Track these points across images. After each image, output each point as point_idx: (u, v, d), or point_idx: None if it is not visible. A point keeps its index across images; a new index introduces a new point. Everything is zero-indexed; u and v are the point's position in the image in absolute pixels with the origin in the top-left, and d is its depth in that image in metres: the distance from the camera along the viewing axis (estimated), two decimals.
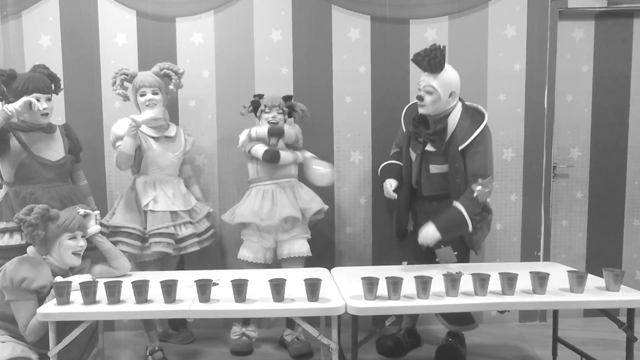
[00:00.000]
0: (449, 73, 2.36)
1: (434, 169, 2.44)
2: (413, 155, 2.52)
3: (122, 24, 2.94)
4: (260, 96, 2.74)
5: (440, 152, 2.40)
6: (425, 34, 2.97)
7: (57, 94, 2.52)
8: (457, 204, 2.31)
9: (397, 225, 2.63)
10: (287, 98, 2.75)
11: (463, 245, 2.51)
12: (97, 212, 2.43)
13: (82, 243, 2.14)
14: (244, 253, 2.66)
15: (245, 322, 2.74)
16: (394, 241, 2.90)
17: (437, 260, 2.54)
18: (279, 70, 2.99)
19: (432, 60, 2.29)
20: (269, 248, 2.64)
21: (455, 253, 2.50)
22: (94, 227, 2.26)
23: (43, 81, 2.39)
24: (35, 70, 2.44)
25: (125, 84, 2.66)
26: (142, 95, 2.59)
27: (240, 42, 2.98)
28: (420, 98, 2.36)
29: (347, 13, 2.97)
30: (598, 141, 3.13)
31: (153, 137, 2.63)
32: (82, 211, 2.22)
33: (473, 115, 2.39)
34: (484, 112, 2.40)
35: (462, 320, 2.50)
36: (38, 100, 2.34)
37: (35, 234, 2.04)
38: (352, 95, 3.02)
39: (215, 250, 3.00)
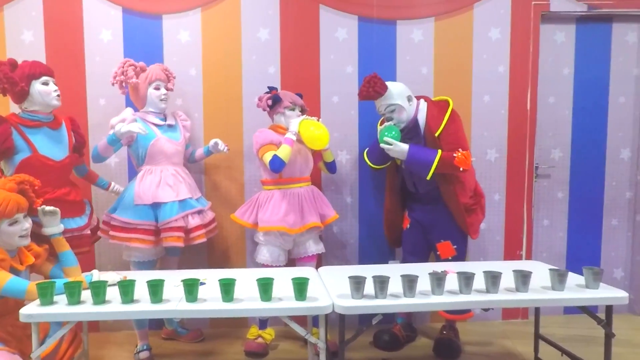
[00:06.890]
0: (394, 85, 2.53)
1: None
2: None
3: (107, 20, 2.90)
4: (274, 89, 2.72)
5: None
6: (411, 34, 3.00)
7: None
8: (439, 151, 2.42)
9: (390, 233, 2.80)
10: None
11: (462, 240, 2.62)
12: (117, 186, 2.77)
13: (27, 225, 2.01)
14: (264, 257, 2.59)
15: (262, 324, 2.68)
16: (381, 240, 2.95)
17: (437, 253, 2.62)
18: (266, 69, 2.99)
19: (376, 86, 2.44)
20: (286, 250, 2.66)
21: (455, 247, 2.59)
22: (57, 227, 2.12)
23: (45, 65, 2.37)
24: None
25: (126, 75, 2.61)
26: (157, 88, 2.63)
27: (228, 40, 2.97)
28: (389, 119, 2.53)
29: (334, 13, 2.98)
30: (578, 142, 3.20)
31: (157, 125, 2.63)
32: (46, 208, 2.08)
33: (439, 103, 2.58)
34: (448, 99, 2.58)
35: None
36: (47, 84, 2.30)
37: None
38: (339, 95, 3.03)
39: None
